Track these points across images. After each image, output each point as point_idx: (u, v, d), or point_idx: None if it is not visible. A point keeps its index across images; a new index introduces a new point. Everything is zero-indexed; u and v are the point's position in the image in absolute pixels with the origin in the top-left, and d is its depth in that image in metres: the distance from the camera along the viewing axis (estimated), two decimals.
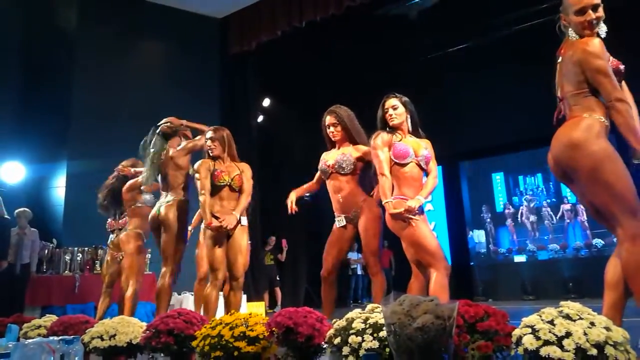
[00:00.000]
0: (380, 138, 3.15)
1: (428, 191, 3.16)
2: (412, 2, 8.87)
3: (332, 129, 3.59)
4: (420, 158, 3.12)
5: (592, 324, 1.69)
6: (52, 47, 8.56)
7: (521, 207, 10.57)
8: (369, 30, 9.16)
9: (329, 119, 3.60)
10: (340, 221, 3.52)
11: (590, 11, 2.39)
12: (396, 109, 3.18)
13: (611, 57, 2.43)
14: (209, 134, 3.86)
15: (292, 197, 3.73)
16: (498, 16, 8.59)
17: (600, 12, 2.40)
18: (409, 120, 3.20)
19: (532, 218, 10.35)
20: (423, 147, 3.18)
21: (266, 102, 10.56)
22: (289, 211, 3.67)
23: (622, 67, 2.48)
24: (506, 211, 10.68)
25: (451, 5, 8.44)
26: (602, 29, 2.45)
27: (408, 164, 3.08)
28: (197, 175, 3.75)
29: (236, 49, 9.36)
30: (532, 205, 10.39)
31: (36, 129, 8.04)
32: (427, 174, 3.23)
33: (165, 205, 4.01)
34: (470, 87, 9.37)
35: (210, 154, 3.83)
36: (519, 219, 10.55)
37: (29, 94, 8.35)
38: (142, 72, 8.81)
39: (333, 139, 3.62)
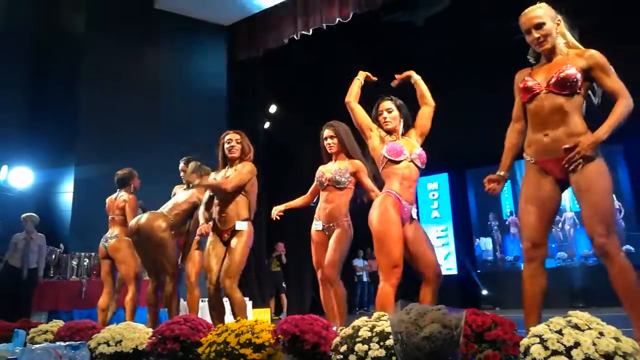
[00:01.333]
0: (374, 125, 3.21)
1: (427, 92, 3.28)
2: (418, 9, 8.89)
3: (329, 140, 3.81)
4: (414, 156, 3.08)
5: (601, 334, 1.68)
6: (60, 54, 8.64)
7: (515, 219, 10.52)
8: (375, 38, 9.18)
9: (327, 132, 3.83)
10: (317, 225, 3.75)
11: (533, 30, 2.50)
12: (391, 112, 3.16)
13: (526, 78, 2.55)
14: (232, 135, 3.79)
15: (281, 207, 3.95)
16: (506, 22, 8.55)
17: (546, 29, 2.47)
18: (402, 124, 3.19)
19: None
20: (416, 146, 3.13)
21: (273, 109, 10.59)
22: (272, 216, 3.87)
23: (529, 84, 2.51)
24: (510, 219, 10.63)
25: (458, 11, 8.45)
26: (560, 41, 2.51)
27: (401, 161, 3.04)
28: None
29: (243, 56, 9.42)
30: None
31: (44, 134, 8.10)
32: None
33: (146, 215, 4.03)
34: (477, 94, 9.36)
35: (228, 154, 3.75)
36: (518, 230, 10.49)
37: (37, 100, 8.42)
38: (149, 79, 8.86)
39: (329, 151, 3.83)
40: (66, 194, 7.93)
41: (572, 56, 2.47)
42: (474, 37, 8.97)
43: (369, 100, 3.27)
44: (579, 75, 2.39)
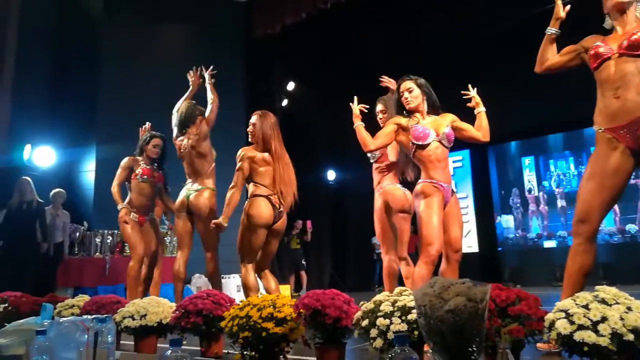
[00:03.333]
0: (392, 120, 3.20)
1: (485, 125, 3.24)
2: None
3: (380, 115, 3.81)
4: (442, 136, 3.07)
5: (629, 308, 1.64)
6: (79, 34, 8.67)
7: (541, 194, 10.37)
8: (395, 12, 9.00)
9: (379, 107, 3.84)
10: None
11: None
12: (411, 91, 3.14)
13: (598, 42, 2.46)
14: (252, 119, 3.80)
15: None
16: None
17: None
18: (426, 102, 3.16)
19: (562, 203, 10.14)
20: (444, 125, 3.11)
21: (290, 86, 10.53)
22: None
23: (600, 50, 2.43)
24: (530, 196, 10.51)
25: None
26: (637, 11, 2.43)
27: (430, 144, 3.04)
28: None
29: (260, 33, 9.33)
30: (562, 189, 10.18)
31: (66, 114, 8.19)
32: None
33: (194, 193, 4.05)
34: (499, 69, 9.16)
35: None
36: (541, 206, 10.35)
37: (58, 81, 8.50)
38: (167, 57, 8.86)
39: (381, 125, 3.75)
40: (88, 173, 8.06)
41: None
42: (496, 11, 8.74)
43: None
44: None
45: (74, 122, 8.13)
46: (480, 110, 3.25)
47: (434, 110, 3.20)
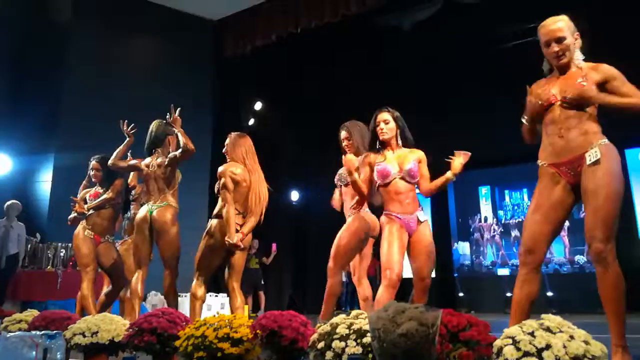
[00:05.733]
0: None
1: (436, 186, 3.23)
2: (409, 12, 8.95)
3: (345, 142, 3.78)
4: (404, 173, 3.15)
5: (572, 337, 1.72)
6: (42, 41, 8.51)
7: (494, 223, 10.69)
8: (363, 39, 9.23)
9: (343, 134, 3.80)
10: None
11: (553, 43, 2.48)
12: (387, 123, 3.24)
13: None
14: (227, 140, 3.92)
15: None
16: (492, 31, 8.70)
17: (566, 43, 2.46)
18: (399, 136, 3.26)
19: (515, 233, 10.47)
20: (410, 160, 3.18)
21: (258, 106, 10.57)
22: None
23: (544, 97, 2.52)
24: (485, 224, 10.82)
25: (445, 18, 8.55)
26: (579, 57, 2.52)
27: (390, 182, 3.15)
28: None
29: (231, 52, 9.40)
30: (516, 220, 10.51)
31: (24, 121, 7.97)
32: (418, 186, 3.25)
33: (157, 209, 3.99)
34: (459, 100, 9.47)
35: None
36: (495, 235, 10.66)
37: (18, 87, 8.28)
38: (133, 70, 8.78)
39: (347, 151, 3.74)
40: (44, 183, 7.82)
41: (586, 70, 2.47)
42: (458, 45, 9.07)
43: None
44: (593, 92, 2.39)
45: (33, 129, 7.90)
46: (449, 176, 3.19)
47: (405, 143, 3.28)
